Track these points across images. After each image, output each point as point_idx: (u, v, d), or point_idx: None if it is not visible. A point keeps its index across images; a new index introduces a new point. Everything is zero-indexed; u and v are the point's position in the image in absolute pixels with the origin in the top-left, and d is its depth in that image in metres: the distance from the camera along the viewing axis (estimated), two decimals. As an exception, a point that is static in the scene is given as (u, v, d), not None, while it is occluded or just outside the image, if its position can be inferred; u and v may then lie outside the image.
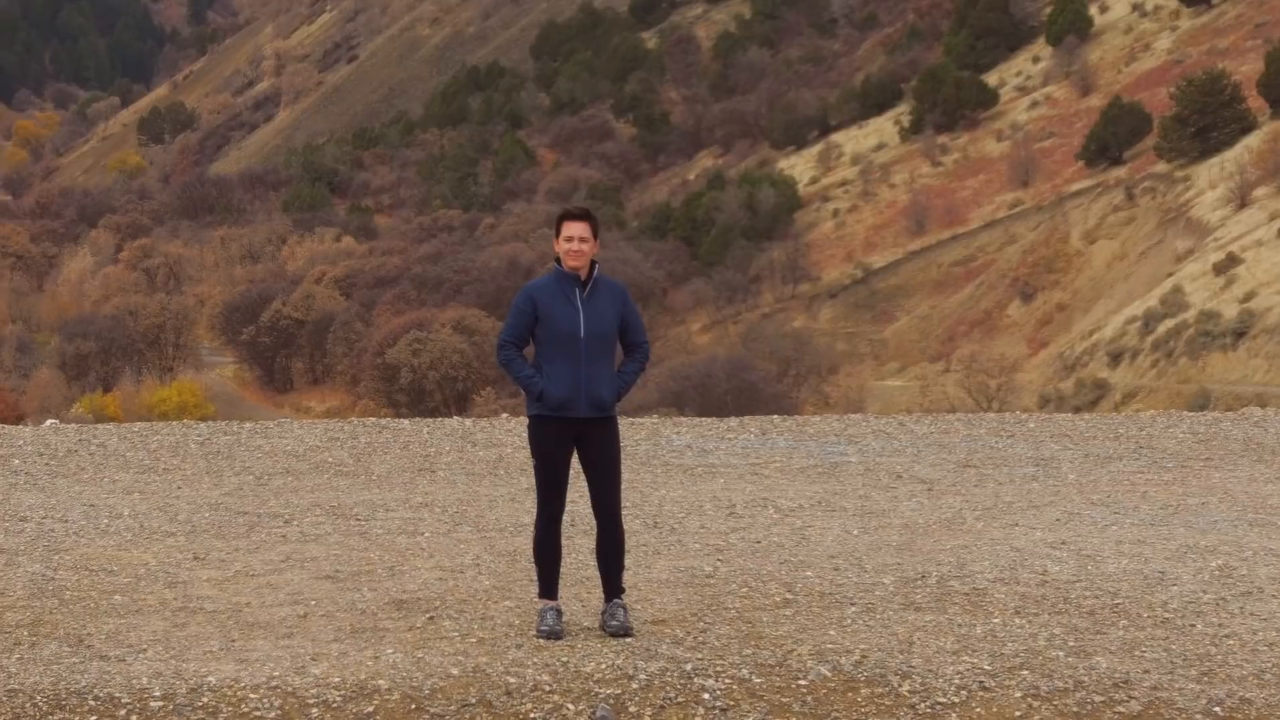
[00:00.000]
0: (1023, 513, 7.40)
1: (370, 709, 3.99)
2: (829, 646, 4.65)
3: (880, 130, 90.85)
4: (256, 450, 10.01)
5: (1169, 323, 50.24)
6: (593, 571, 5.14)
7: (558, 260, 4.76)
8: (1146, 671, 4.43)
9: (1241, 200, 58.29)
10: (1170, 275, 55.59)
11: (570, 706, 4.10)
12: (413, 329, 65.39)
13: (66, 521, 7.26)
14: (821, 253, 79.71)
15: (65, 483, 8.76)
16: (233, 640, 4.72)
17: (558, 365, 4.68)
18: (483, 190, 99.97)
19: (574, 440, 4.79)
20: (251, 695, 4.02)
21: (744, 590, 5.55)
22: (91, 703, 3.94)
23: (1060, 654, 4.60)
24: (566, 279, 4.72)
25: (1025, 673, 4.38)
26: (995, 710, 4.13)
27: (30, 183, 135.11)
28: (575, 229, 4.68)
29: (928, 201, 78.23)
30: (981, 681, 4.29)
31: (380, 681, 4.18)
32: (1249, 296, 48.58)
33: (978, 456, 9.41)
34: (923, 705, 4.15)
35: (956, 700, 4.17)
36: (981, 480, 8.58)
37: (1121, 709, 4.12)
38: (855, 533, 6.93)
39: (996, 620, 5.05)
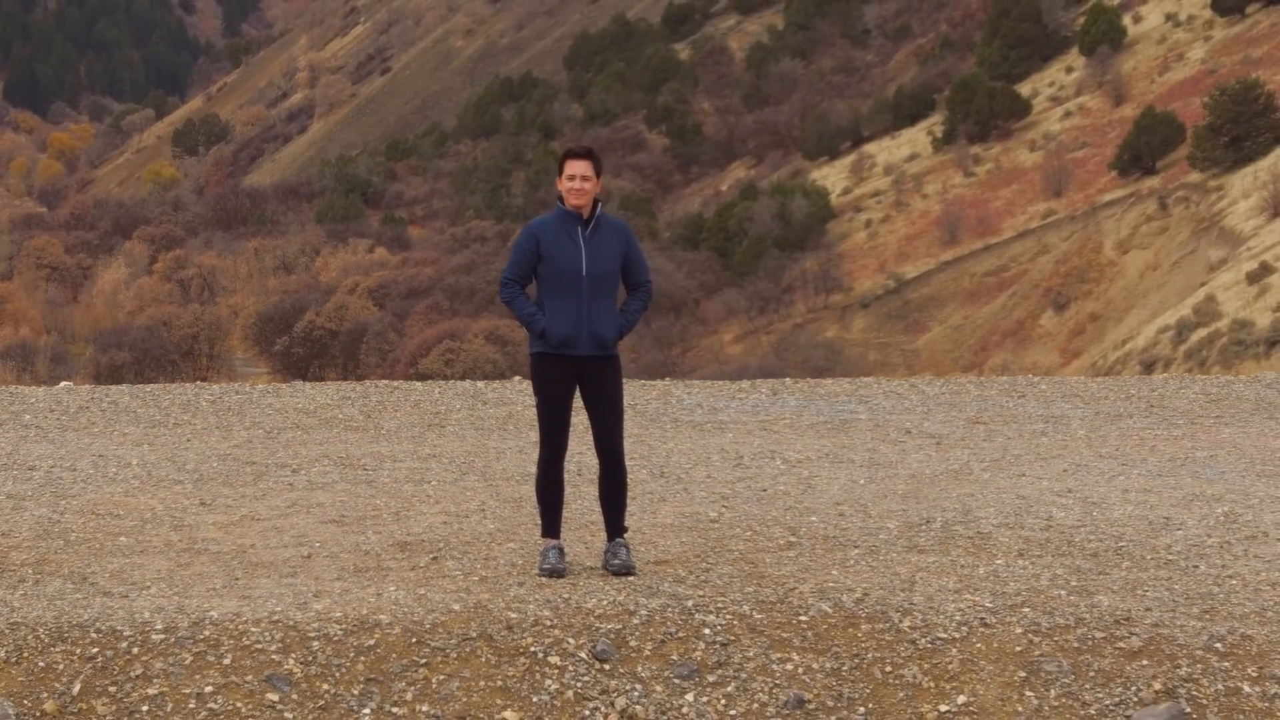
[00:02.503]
0: (1030, 464, 7.36)
1: (371, 642, 4.05)
2: (830, 585, 4.66)
3: (913, 140, 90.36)
4: (267, 408, 10.14)
5: (1201, 332, 49.44)
6: (597, 517, 5.18)
7: (560, 199, 4.81)
8: (1148, 609, 4.39)
9: (1275, 210, 57.30)
10: (1203, 285, 54.72)
11: (570, 640, 4.14)
12: (445, 339, 65.77)
13: (75, 470, 7.41)
14: (854, 263, 79.28)
15: (75, 435, 8.92)
16: (236, 578, 4.81)
17: (559, 303, 4.72)
18: (515, 201, 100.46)
19: (576, 378, 4.83)
20: (253, 629, 4.11)
21: (748, 534, 5.56)
22: (93, 635, 4.04)
23: (1062, 593, 4.57)
24: (569, 217, 4.77)
25: (1027, 610, 4.36)
26: (995, 645, 4.12)
27: (65, 194, 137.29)
28: (577, 167, 4.72)
29: (960, 212, 77.66)
30: (982, 618, 4.28)
31: (382, 616, 4.24)
32: (1282, 305, 47.73)
33: (988, 414, 9.38)
34: (923, 640, 4.15)
35: (957, 635, 4.16)
36: (990, 435, 8.56)
37: (1122, 644, 4.09)
38: (861, 482, 6.92)
39: (1000, 561, 5.04)
